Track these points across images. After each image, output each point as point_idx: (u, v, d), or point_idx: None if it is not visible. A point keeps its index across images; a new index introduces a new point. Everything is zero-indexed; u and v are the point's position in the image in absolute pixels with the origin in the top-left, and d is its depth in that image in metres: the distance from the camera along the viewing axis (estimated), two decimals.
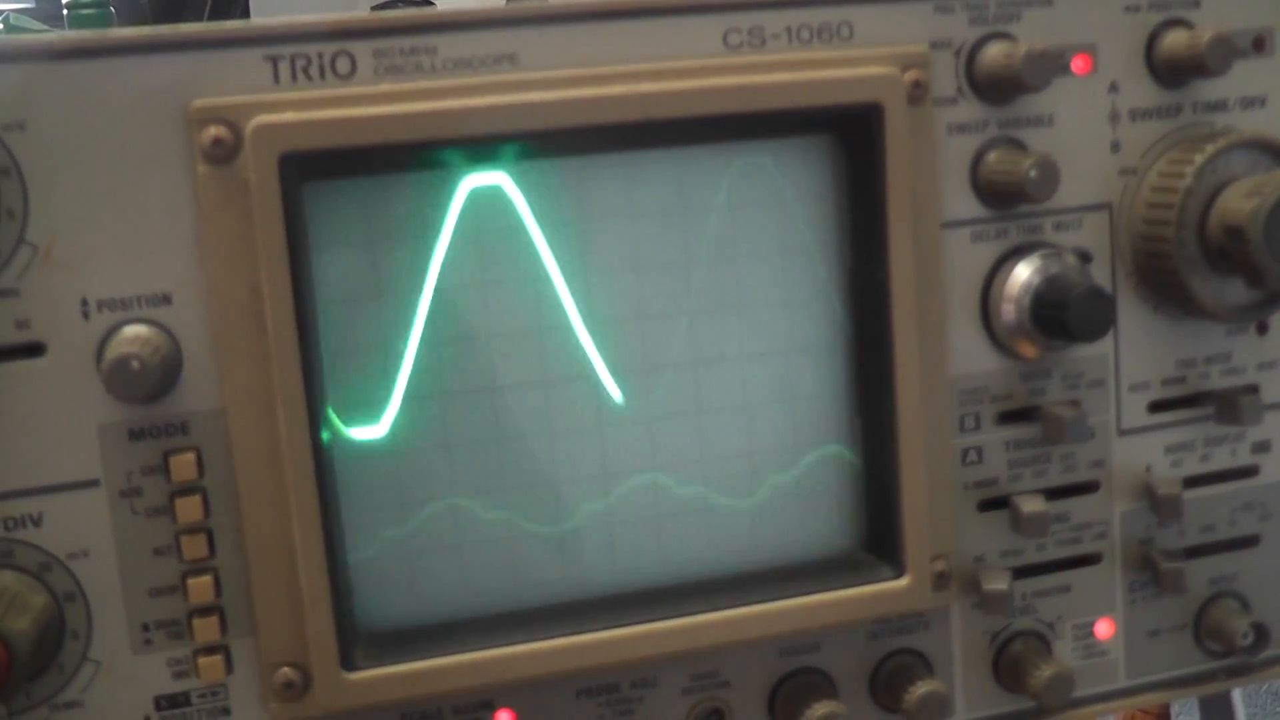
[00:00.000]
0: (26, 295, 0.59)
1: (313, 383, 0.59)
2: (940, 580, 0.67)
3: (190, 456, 0.60)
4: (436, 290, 0.63)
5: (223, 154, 0.59)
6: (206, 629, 0.61)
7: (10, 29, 1.47)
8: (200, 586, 0.60)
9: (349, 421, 0.62)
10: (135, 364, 0.57)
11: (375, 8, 1.29)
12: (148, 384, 0.58)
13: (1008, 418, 0.70)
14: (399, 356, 0.63)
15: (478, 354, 0.64)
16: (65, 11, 1.63)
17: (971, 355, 0.69)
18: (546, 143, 0.62)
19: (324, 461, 0.60)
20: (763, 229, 0.67)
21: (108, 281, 0.59)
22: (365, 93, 0.60)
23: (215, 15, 1.75)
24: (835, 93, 0.64)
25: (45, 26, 1.47)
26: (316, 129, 0.58)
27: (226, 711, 0.62)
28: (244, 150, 0.58)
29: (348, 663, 0.60)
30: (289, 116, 0.58)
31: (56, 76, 0.58)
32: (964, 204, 0.68)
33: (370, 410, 0.63)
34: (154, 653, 0.61)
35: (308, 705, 0.61)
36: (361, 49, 0.60)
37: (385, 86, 0.60)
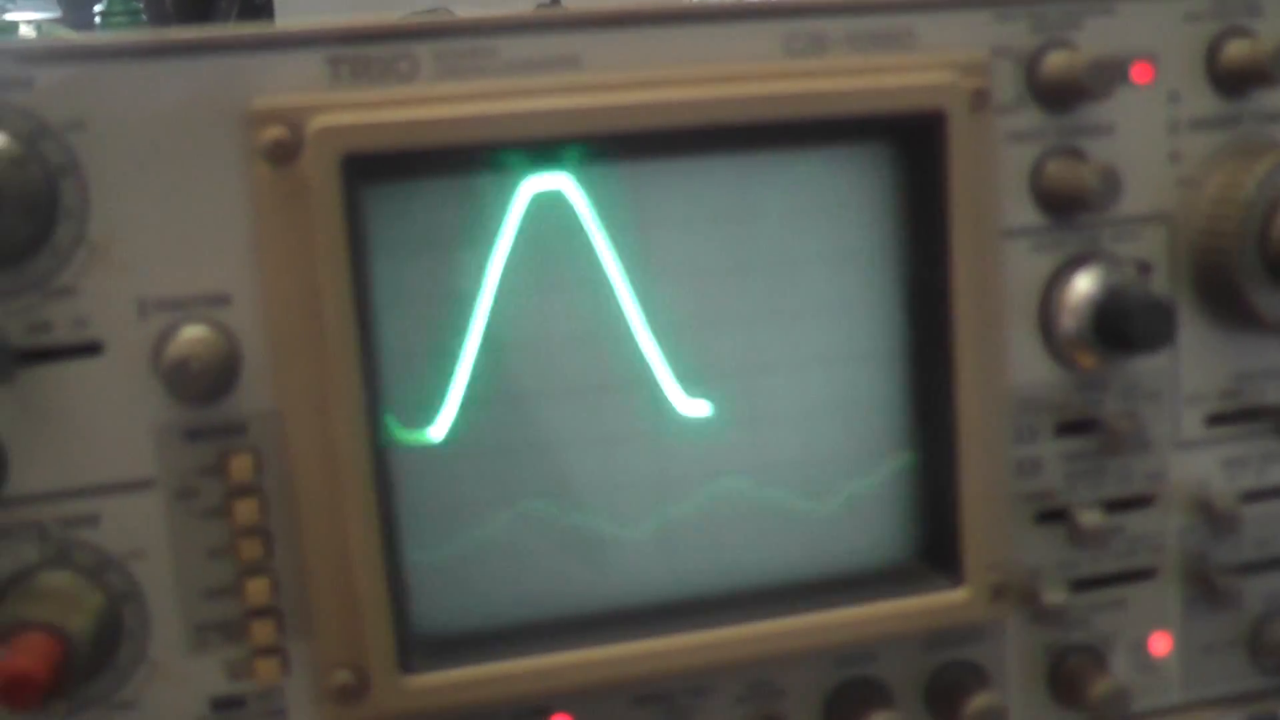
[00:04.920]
0: (84, 294, 0.58)
1: (372, 386, 0.59)
2: (997, 592, 0.66)
3: (248, 458, 0.59)
4: (496, 294, 0.62)
5: (282, 155, 0.58)
6: (263, 631, 0.60)
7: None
8: (257, 588, 0.60)
9: (405, 425, 0.62)
10: (196, 364, 0.57)
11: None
12: (207, 384, 0.58)
13: (1064, 429, 0.70)
14: (456, 360, 0.62)
15: (536, 358, 0.63)
16: (98, 20, 1.64)
17: (1029, 366, 0.69)
18: (609, 146, 0.62)
19: (382, 465, 0.59)
20: (820, 236, 0.66)
21: (165, 281, 0.59)
22: (426, 94, 0.60)
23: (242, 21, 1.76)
24: (898, 100, 0.63)
25: (76, 34, 1.48)
26: (379, 131, 0.58)
27: (282, 714, 0.62)
28: (304, 151, 0.58)
29: (406, 666, 0.60)
30: (352, 118, 0.58)
31: (116, 75, 0.58)
32: (1023, 213, 0.68)
33: (427, 414, 0.62)
34: (210, 654, 0.61)
35: (364, 709, 0.60)
36: (423, 50, 0.60)
37: (447, 88, 0.60)
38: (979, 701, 0.66)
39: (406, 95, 0.60)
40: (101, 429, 0.59)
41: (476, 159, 0.61)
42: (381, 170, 0.59)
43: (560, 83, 0.61)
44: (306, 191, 0.58)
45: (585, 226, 0.62)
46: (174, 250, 0.59)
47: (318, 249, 0.58)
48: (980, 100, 0.65)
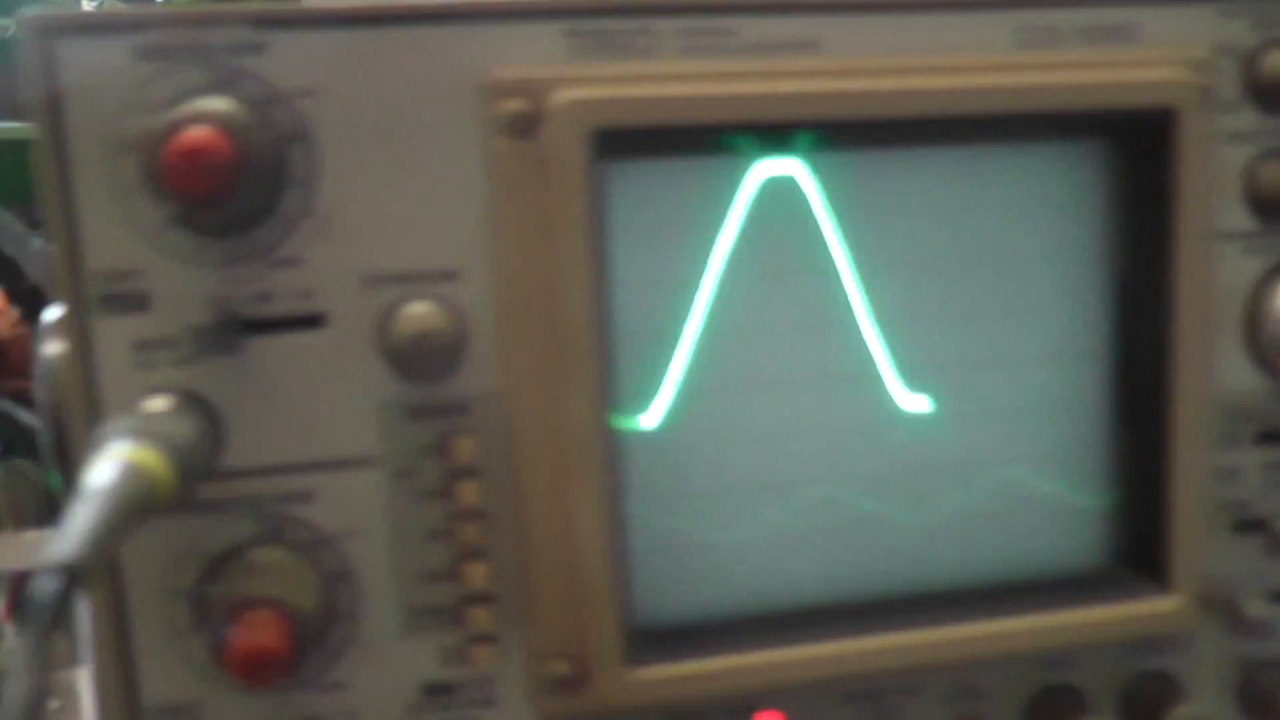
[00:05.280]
0: (310, 265, 0.57)
1: (606, 368, 0.57)
2: (1202, 601, 0.65)
3: (471, 439, 0.58)
4: (720, 279, 0.61)
5: (522, 127, 0.57)
6: (480, 617, 0.59)
7: None
8: (476, 573, 0.58)
9: (621, 410, 0.60)
10: (433, 340, 0.56)
11: None
12: (439, 362, 0.56)
13: (1264, 438, 0.68)
14: (675, 346, 0.61)
15: (757, 347, 0.62)
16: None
17: (1233, 371, 0.67)
18: (844, 133, 0.60)
19: (614, 449, 0.58)
20: (1036, 231, 0.65)
21: (392, 254, 0.57)
22: (666, 71, 0.58)
23: None
24: (1129, 95, 0.62)
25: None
26: (628, 106, 0.56)
27: (492, 703, 0.60)
28: (546, 124, 0.56)
29: (629, 659, 0.58)
30: (601, 92, 0.56)
31: (351, 43, 0.56)
32: (1234, 215, 0.66)
33: (643, 399, 0.61)
34: (423, 638, 0.59)
35: (581, 700, 0.59)
36: (665, 27, 0.59)
37: (686, 66, 0.59)
38: (1181, 713, 0.65)
39: (646, 71, 0.58)
40: (321, 403, 0.57)
41: (711, 140, 0.59)
42: (623, 147, 0.57)
43: (798, 67, 0.59)
44: (548, 165, 0.56)
45: (814, 214, 0.61)
46: (402, 223, 0.57)
47: (560, 225, 0.56)
48: (1207, 98, 0.63)
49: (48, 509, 0.80)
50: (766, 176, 0.60)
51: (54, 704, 0.86)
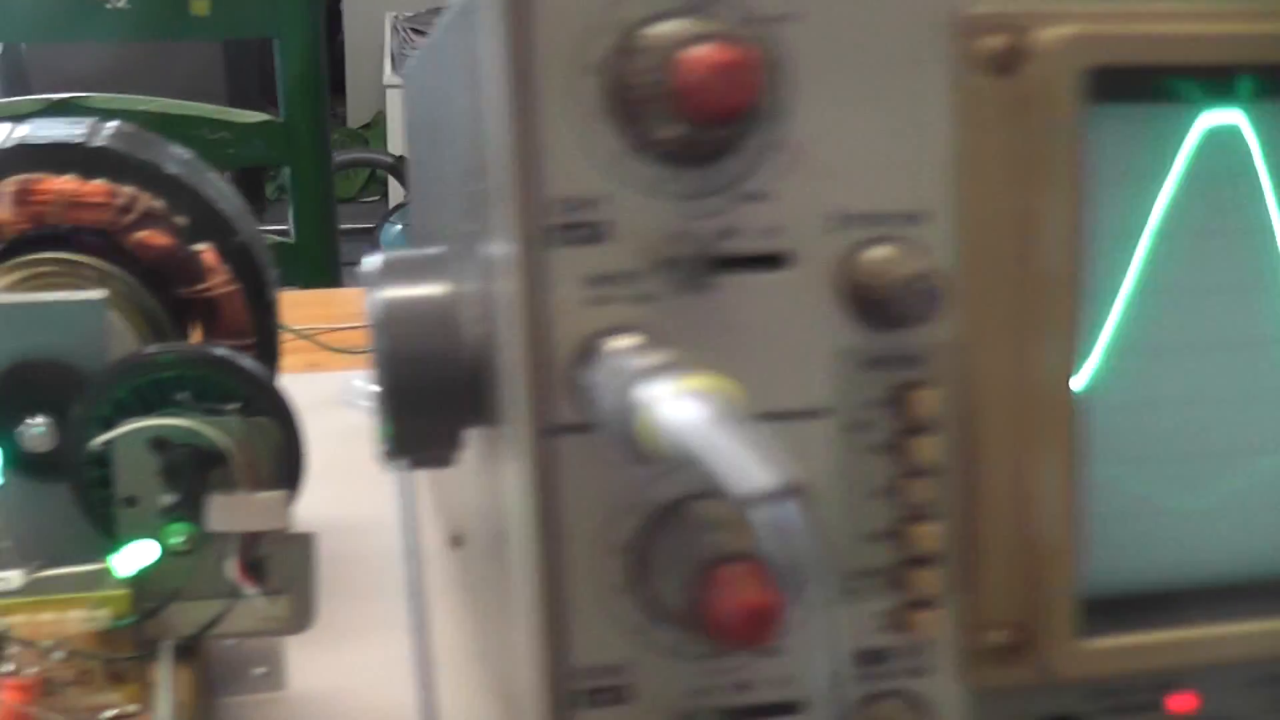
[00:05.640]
0: (778, 200, 0.53)
1: (1079, 324, 0.55)
2: None
3: (933, 391, 0.54)
4: (1155, 234, 0.58)
5: (1003, 65, 0.54)
6: (926, 580, 0.55)
7: None
8: (925, 534, 0.55)
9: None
10: (918, 285, 0.52)
11: None
12: (919, 309, 0.53)
13: None
14: (1108, 304, 0.58)
15: (1188, 308, 0.59)
16: None
17: None
18: None
19: (1078, 409, 0.55)
20: None
21: (860, 193, 0.54)
22: (1133, 10, 0.56)
23: None
24: None
25: None
26: (1124, 44, 0.54)
27: (922, 672, 0.57)
28: (1031, 62, 0.53)
29: (1082, 629, 0.56)
30: (1092, 29, 0.53)
31: None
32: None
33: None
34: (859, 602, 0.56)
35: (1020, 671, 0.56)
36: None
37: (1149, 6, 0.56)
38: None
39: (1117, 10, 0.55)
40: (776, 349, 0.54)
41: (1158, 86, 0.57)
42: (1105, 90, 0.54)
43: (1244, 9, 0.57)
44: (1032, 105, 0.53)
45: (1255, 166, 0.58)
46: (869, 160, 0.54)
47: (1044, 168, 0.53)
48: None
49: (284, 469, 0.74)
50: (1209, 127, 0.58)
51: (258, 670, 0.80)
